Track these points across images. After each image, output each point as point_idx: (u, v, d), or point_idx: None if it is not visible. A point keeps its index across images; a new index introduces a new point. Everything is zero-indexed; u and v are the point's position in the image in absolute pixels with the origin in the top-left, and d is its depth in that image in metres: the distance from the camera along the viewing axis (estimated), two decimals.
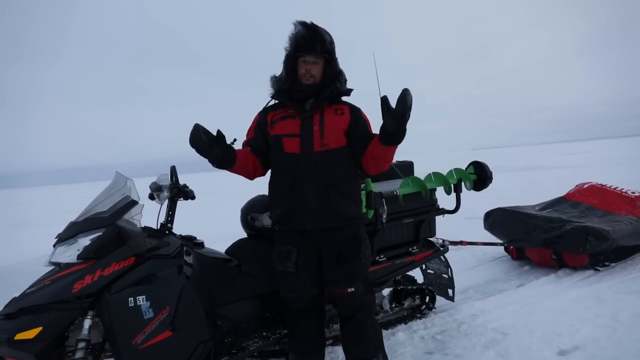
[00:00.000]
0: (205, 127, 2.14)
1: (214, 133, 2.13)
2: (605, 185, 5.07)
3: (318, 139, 2.20)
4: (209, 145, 2.13)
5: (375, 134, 2.16)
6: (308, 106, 2.22)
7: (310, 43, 2.18)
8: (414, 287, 3.34)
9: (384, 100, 2.00)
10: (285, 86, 2.25)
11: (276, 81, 2.28)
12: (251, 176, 2.39)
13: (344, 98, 2.34)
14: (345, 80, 2.31)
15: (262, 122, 2.34)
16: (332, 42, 2.24)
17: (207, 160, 2.20)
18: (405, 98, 1.92)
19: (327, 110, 2.26)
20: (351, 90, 2.32)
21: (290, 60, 2.24)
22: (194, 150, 2.14)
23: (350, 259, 2.25)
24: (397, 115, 1.95)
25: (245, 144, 2.38)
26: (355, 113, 2.29)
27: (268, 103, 2.36)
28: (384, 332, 3.08)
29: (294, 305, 2.38)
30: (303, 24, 2.20)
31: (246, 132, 2.40)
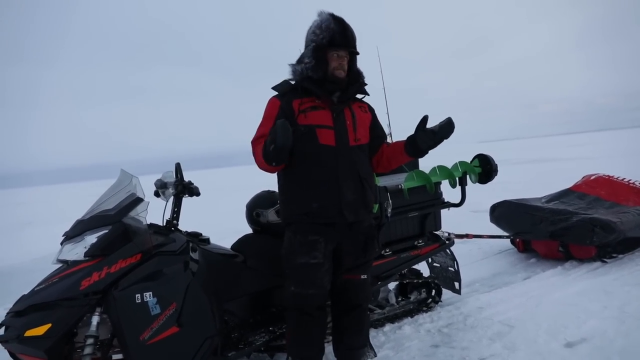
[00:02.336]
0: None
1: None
2: (612, 177, 5.03)
3: (352, 134, 2.23)
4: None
5: (386, 136, 2.39)
6: (335, 99, 2.21)
7: (345, 38, 2.16)
8: (420, 281, 3.35)
9: (424, 119, 2.17)
10: (317, 76, 2.16)
11: (304, 69, 2.18)
12: (275, 170, 2.21)
13: (358, 95, 2.38)
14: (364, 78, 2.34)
15: (288, 110, 2.16)
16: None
17: (273, 160, 1.98)
18: (449, 127, 2.14)
19: (353, 105, 2.29)
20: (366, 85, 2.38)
21: (321, 51, 2.16)
22: (275, 147, 1.91)
23: (369, 248, 2.34)
24: (437, 139, 2.14)
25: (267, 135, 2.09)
26: (374, 112, 2.42)
27: (278, 87, 2.23)
28: (391, 326, 3.10)
29: (309, 302, 2.21)
30: (332, 16, 2.16)
31: (261, 124, 2.21)
